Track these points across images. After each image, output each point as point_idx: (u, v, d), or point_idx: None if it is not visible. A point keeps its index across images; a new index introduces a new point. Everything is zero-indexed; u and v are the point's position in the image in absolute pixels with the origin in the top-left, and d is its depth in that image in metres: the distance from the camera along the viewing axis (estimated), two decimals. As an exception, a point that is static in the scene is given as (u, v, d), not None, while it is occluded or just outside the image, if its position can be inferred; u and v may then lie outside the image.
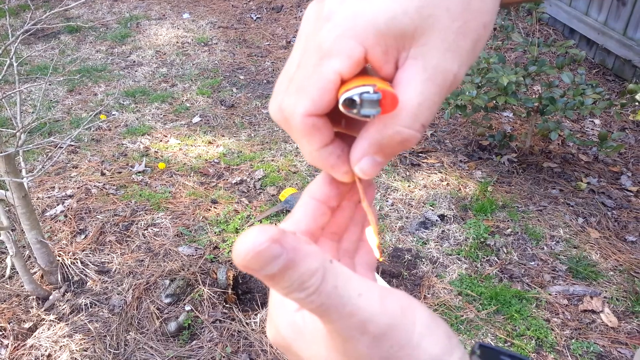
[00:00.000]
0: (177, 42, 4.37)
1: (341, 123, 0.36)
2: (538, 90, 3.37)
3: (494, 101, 2.55)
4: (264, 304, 2.00)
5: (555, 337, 1.89)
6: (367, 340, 0.28)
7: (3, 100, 1.73)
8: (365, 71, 0.32)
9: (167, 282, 2.02)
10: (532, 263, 2.22)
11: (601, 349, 1.85)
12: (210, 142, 3.05)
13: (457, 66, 0.31)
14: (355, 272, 0.37)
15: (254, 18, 4.86)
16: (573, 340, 1.88)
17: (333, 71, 0.31)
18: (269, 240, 0.25)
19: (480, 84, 2.59)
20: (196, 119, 3.28)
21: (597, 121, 3.26)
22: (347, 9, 0.31)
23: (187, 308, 1.92)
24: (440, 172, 2.78)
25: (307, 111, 0.32)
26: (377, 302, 0.28)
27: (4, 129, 1.88)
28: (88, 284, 2.05)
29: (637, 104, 2.59)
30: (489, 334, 1.89)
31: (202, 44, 4.36)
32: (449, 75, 0.30)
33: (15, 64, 1.76)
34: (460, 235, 2.35)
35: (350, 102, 0.30)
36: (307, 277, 0.26)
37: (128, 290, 2.01)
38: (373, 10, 0.30)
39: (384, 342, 0.28)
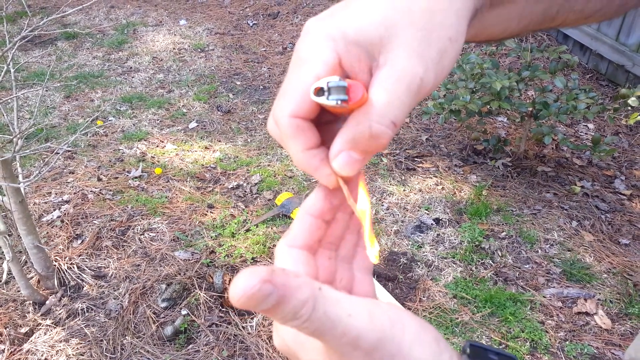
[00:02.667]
0: (173, 49, 4.39)
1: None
2: (532, 95, 3.40)
3: (488, 106, 2.57)
4: (260, 307, 2.01)
5: (550, 339, 1.90)
6: (360, 354, 0.30)
7: (0, 106, 1.75)
8: None
9: (164, 286, 2.03)
10: (527, 266, 2.23)
11: (595, 351, 1.86)
12: (206, 148, 3.06)
13: (423, 70, 0.33)
14: (354, 277, 0.40)
15: (251, 24, 4.89)
16: (567, 342, 1.89)
17: (310, 75, 0.34)
18: (260, 281, 0.27)
19: (474, 89, 2.62)
20: (193, 125, 3.30)
21: (590, 125, 3.29)
22: (322, 24, 0.35)
23: (184, 312, 1.93)
24: (436, 177, 2.80)
25: (291, 112, 0.35)
26: (366, 319, 0.30)
27: (0, 135, 1.89)
28: (84, 288, 2.05)
29: (629, 108, 2.61)
30: (483, 336, 1.91)
31: (199, 50, 4.38)
32: (415, 78, 0.33)
33: (12, 70, 1.77)
34: (455, 239, 2.36)
35: (320, 91, 0.33)
36: (299, 307, 0.28)
37: (124, 294, 2.02)
38: (344, 23, 0.34)
39: (376, 354, 0.30)
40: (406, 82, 0.33)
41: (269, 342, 1.86)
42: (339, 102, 0.33)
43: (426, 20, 0.34)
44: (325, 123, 0.37)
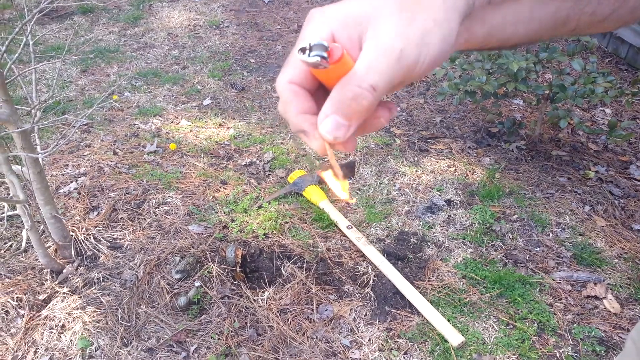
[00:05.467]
0: (189, 25, 4.38)
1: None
2: (549, 77, 3.36)
3: (504, 87, 2.55)
4: (271, 282, 2.04)
5: (558, 321, 1.91)
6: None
7: (19, 78, 1.77)
8: None
9: (178, 258, 2.07)
10: (537, 249, 2.24)
11: (602, 334, 1.87)
12: (220, 125, 3.08)
13: (403, 44, 0.37)
14: None
15: (266, 1, 4.86)
16: (575, 325, 1.90)
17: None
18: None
19: (490, 70, 2.59)
20: (207, 102, 3.31)
21: (607, 110, 3.25)
22: (322, 11, 0.41)
23: (197, 284, 1.97)
24: (449, 158, 2.79)
25: (288, 78, 0.42)
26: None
27: (19, 107, 1.92)
28: (100, 259, 2.10)
29: (648, 93, 2.57)
30: (491, 317, 1.92)
31: (214, 26, 4.37)
32: (394, 50, 0.37)
33: (31, 43, 1.79)
34: (466, 220, 2.37)
35: (303, 50, 0.37)
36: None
37: (139, 265, 2.07)
38: (340, 8, 0.40)
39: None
40: (386, 53, 0.37)
41: (280, 315, 1.90)
42: (319, 58, 0.37)
43: (412, 4, 0.38)
44: None
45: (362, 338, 1.84)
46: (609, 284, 2.08)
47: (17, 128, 1.68)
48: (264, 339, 1.81)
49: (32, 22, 1.72)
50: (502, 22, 0.44)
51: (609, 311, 1.97)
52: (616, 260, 2.18)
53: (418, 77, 0.40)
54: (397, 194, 2.54)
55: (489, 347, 1.82)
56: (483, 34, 0.44)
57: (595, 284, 2.08)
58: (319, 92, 0.43)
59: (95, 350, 1.77)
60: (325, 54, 0.37)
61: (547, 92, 2.59)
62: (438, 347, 1.80)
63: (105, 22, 4.44)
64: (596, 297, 2.02)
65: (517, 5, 0.44)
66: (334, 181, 0.46)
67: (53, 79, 2.59)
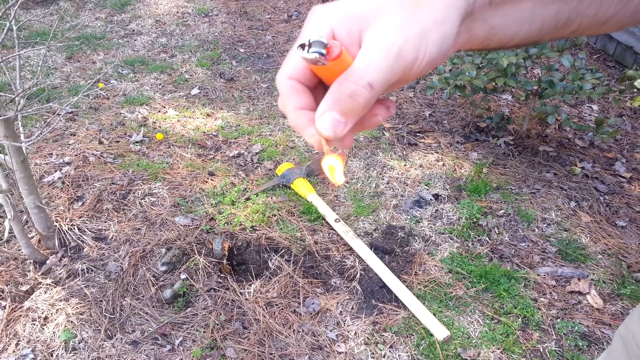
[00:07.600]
0: (177, 12, 4.32)
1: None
2: (538, 73, 3.37)
3: (494, 83, 2.55)
4: (258, 275, 2.03)
5: (542, 316, 1.93)
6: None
7: (2, 65, 1.73)
8: None
9: (163, 250, 2.05)
10: (523, 244, 2.26)
11: (585, 329, 1.90)
12: (208, 115, 3.04)
13: (401, 43, 0.38)
14: None
15: (256, -10, 4.80)
16: (559, 320, 1.92)
17: None
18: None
19: (480, 65, 2.59)
20: (195, 91, 3.27)
21: (594, 107, 3.28)
22: (324, 8, 0.41)
23: (183, 276, 1.96)
24: (437, 152, 2.80)
25: (288, 74, 0.41)
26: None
27: (2, 94, 1.88)
28: (85, 250, 2.08)
29: (635, 90, 2.60)
30: (476, 311, 1.94)
31: (203, 14, 4.31)
32: (392, 47, 0.37)
33: (14, 28, 1.75)
34: (453, 215, 2.38)
35: (303, 47, 0.38)
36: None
37: (124, 257, 2.04)
38: (341, 6, 0.40)
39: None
40: (384, 51, 0.37)
41: (266, 308, 1.90)
42: (318, 55, 0.37)
43: (412, 3, 0.38)
44: None
45: (348, 331, 1.85)
46: (592, 279, 2.10)
47: (0, 116, 1.64)
48: (249, 332, 1.81)
49: (16, 7, 1.68)
50: (503, 23, 0.44)
51: (592, 306, 1.99)
52: (600, 256, 2.21)
53: (416, 76, 0.40)
54: (386, 187, 2.54)
55: (474, 341, 1.83)
56: (484, 34, 0.44)
57: (579, 279, 2.10)
58: (319, 88, 0.43)
59: (79, 343, 1.75)
60: (323, 51, 0.37)
61: (536, 87, 2.60)
62: (423, 341, 1.81)
63: (92, 7, 4.36)
64: (580, 293, 2.05)
65: (518, 7, 0.44)
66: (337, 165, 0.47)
67: (38, 65, 2.53)
